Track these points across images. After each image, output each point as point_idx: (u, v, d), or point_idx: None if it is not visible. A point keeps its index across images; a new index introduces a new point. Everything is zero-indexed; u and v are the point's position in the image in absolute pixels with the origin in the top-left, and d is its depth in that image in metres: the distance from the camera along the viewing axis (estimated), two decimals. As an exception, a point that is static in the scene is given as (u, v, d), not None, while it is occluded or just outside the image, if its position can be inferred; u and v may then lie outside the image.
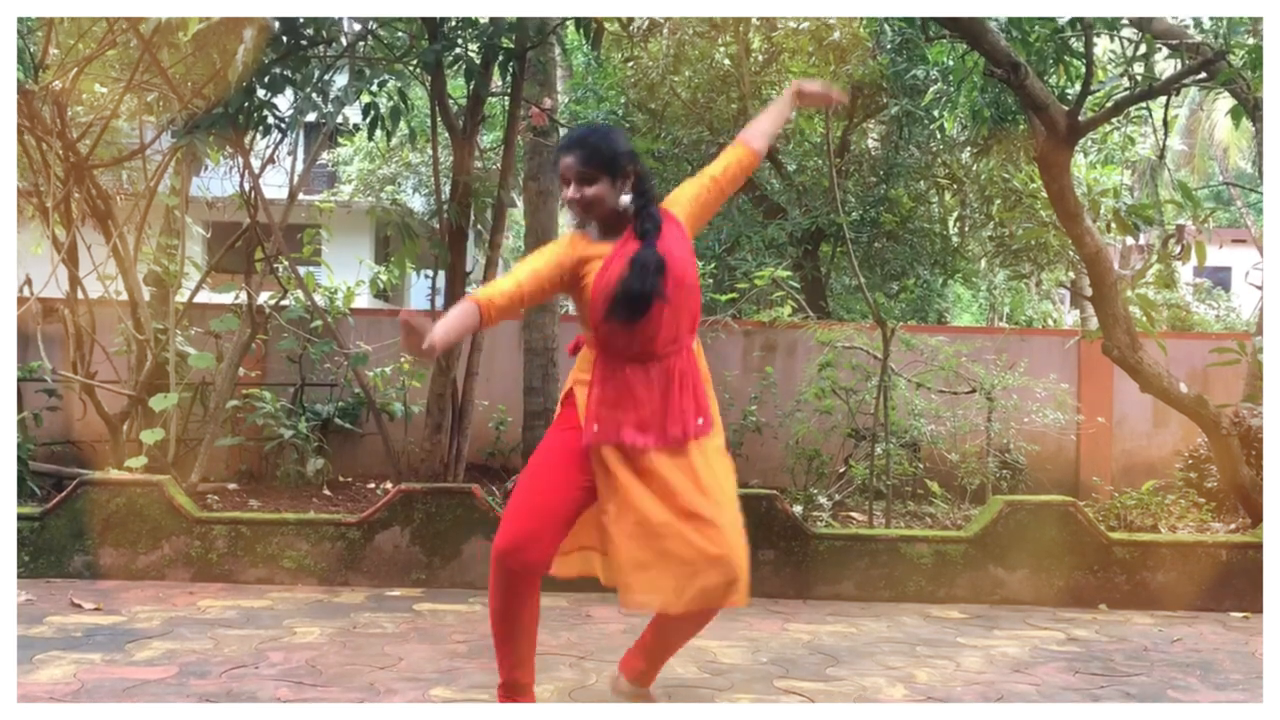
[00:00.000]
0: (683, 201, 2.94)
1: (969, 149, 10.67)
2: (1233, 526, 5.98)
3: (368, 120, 5.72)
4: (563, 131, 10.43)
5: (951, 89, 6.98)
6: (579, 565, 3.01)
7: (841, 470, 6.79)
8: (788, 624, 4.32)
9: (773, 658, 3.79)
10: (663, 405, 2.77)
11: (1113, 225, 5.87)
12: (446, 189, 6.16)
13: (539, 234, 6.99)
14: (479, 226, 6.35)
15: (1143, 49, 5.42)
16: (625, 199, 2.80)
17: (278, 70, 5.46)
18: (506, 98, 6.24)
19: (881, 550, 4.87)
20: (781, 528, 4.83)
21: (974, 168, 10.66)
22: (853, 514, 6.32)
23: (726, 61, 10.44)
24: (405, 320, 2.54)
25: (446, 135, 6.01)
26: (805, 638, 4.10)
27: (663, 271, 2.73)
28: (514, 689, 2.88)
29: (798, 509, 5.88)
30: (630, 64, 10.49)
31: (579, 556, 3.00)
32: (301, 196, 6.73)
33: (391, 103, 5.76)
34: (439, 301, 6.27)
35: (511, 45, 5.80)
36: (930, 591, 4.83)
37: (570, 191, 2.79)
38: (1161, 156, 6.54)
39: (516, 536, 2.73)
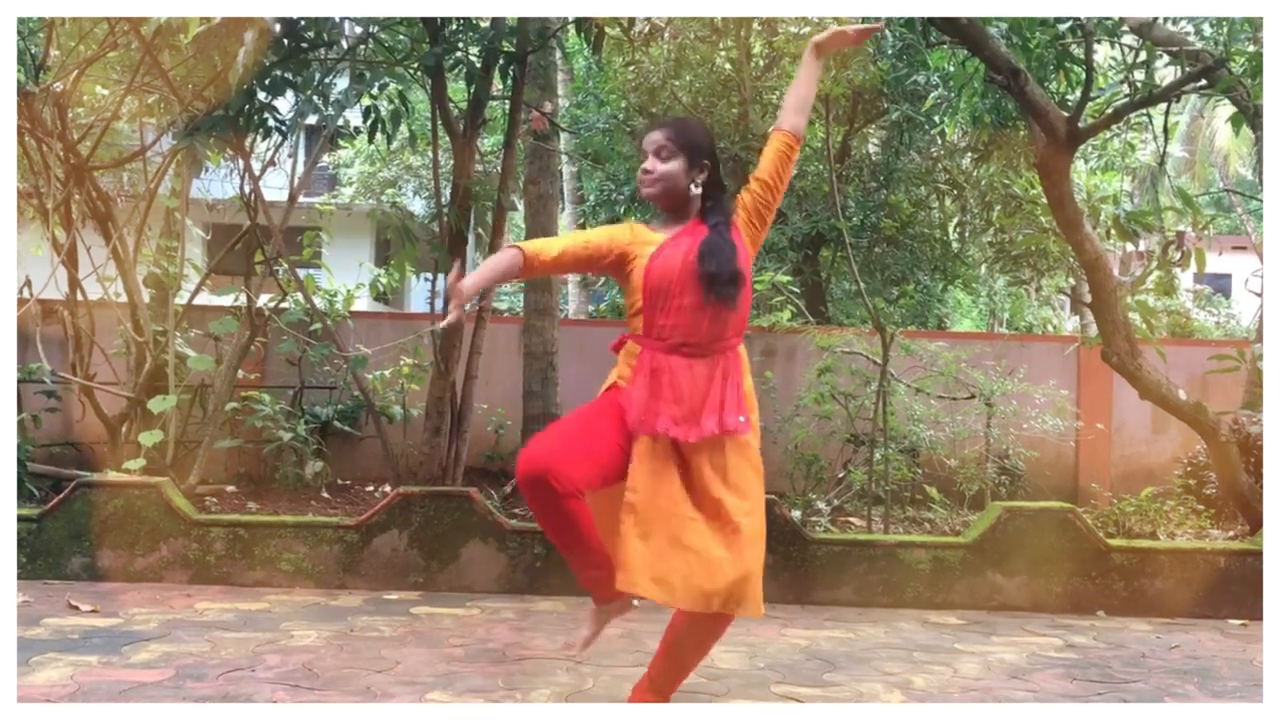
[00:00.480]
0: (735, 210, 2.96)
1: (969, 154, 10.69)
2: (1231, 534, 5.98)
3: (368, 123, 5.73)
4: (563, 135, 10.57)
5: (952, 94, 6.99)
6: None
7: (840, 475, 6.78)
8: (786, 629, 4.32)
9: (770, 663, 3.78)
10: (702, 399, 2.74)
11: (1112, 232, 5.86)
12: (447, 192, 6.16)
13: (539, 237, 6.98)
14: (479, 230, 6.34)
15: (1143, 56, 5.43)
16: (695, 190, 2.85)
17: (278, 73, 5.47)
18: (507, 101, 6.25)
19: (880, 556, 4.86)
20: (780, 533, 4.81)
21: (974, 173, 10.68)
22: (851, 519, 6.32)
23: (727, 66, 10.45)
24: (451, 282, 2.62)
25: (447, 139, 6.02)
26: (803, 643, 4.09)
27: (736, 255, 2.77)
28: (596, 586, 2.79)
29: (796, 514, 5.88)
30: (631, 68, 10.49)
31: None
32: (302, 199, 6.73)
33: (392, 106, 5.77)
34: (439, 305, 6.27)
35: (512, 49, 5.81)
36: (928, 597, 4.82)
37: (646, 163, 2.85)
38: (1162, 163, 6.53)
39: (542, 456, 2.60)
